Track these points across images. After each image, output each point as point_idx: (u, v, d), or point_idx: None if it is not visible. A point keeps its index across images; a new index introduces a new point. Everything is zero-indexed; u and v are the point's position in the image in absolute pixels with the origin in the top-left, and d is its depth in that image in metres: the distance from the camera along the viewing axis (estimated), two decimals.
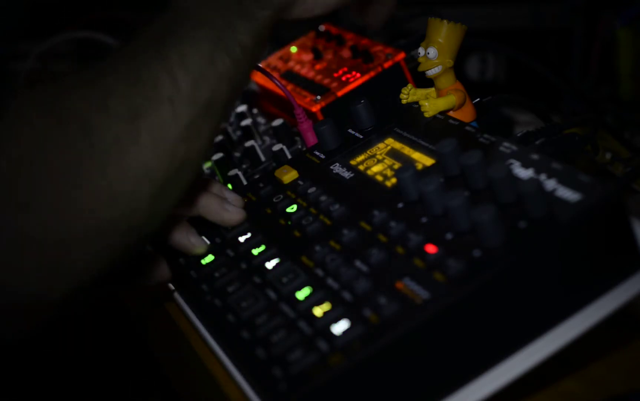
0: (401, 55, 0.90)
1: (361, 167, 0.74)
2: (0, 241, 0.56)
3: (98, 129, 0.59)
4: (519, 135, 0.74)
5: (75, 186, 0.58)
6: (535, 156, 0.63)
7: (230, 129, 1.00)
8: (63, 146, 0.58)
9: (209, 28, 0.65)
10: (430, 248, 0.60)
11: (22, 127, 0.58)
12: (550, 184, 0.59)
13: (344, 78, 0.91)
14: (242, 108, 1.02)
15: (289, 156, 0.87)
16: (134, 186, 0.60)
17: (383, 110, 0.80)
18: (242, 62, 0.67)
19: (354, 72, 0.91)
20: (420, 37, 0.75)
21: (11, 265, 0.56)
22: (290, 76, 0.99)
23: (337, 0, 0.75)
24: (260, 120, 1.00)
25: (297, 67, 1.00)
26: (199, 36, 0.64)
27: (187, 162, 0.63)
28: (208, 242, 0.74)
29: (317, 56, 0.99)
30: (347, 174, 0.74)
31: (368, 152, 0.76)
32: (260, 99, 1.04)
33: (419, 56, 0.75)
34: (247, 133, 0.96)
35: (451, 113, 0.75)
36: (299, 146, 0.90)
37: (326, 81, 0.93)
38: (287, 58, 1.04)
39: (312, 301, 0.62)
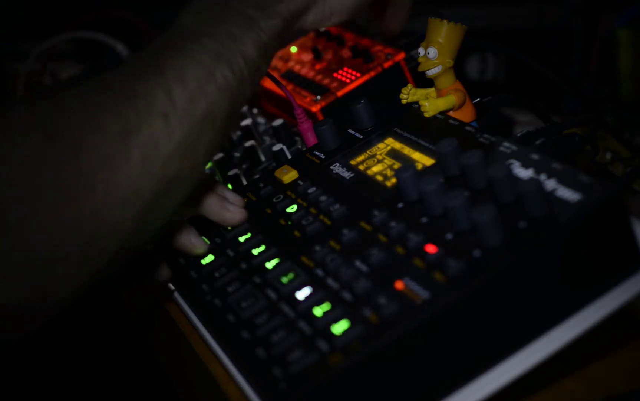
0: (401, 56, 0.91)
1: (361, 167, 0.74)
2: None
3: (89, 148, 0.58)
4: (519, 135, 0.73)
5: (63, 205, 0.57)
6: (535, 156, 0.63)
7: None
8: (53, 164, 0.57)
9: (209, 41, 0.65)
10: (430, 248, 0.60)
11: (15, 146, 0.57)
12: (550, 184, 0.59)
13: (344, 78, 0.91)
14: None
15: (289, 156, 0.87)
16: (121, 205, 0.59)
17: (383, 110, 0.80)
18: (245, 75, 0.66)
19: (354, 72, 0.91)
20: (420, 37, 0.75)
21: (1, 278, 0.56)
22: (290, 75, 0.99)
23: (355, 5, 0.76)
24: (260, 120, 1.00)
25: (297, 67, 1.00)
26: (198, 49, 0.64)
27: (180, 179, 0.63)
28: (208, 242, 0.74)
29: (317, 56, 0.99)
30: (347, 174, 0.74)
31: (368, 152, 0.75)
32: (260, 99, 1.04)
33: (419, 56, 0.75)
34: (247, 133, 0.96)
35: (451, 113, 0.75)
36: (299, 146, 0.90)
37: (326, 81, 0.93)
38: (287, 58, 1.04)
39: (312, 301, 0.62)
